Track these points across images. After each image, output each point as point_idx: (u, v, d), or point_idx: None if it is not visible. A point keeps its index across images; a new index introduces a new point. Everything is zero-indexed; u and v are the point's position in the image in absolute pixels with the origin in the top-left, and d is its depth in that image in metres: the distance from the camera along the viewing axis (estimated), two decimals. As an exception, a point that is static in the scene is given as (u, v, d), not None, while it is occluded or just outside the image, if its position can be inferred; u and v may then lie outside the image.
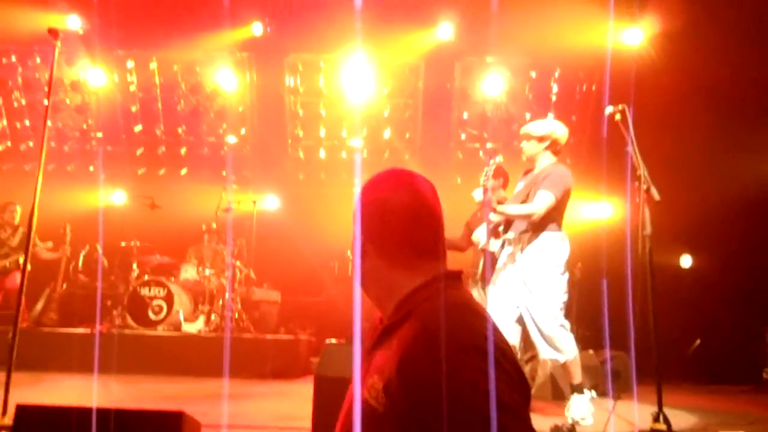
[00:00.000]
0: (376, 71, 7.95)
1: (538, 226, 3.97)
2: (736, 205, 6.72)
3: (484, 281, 5.11)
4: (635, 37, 6.86)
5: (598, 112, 7.13)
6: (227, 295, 6.62)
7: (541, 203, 3.89)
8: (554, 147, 4.14)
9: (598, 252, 6.06)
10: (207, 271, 6.80)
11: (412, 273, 1.29)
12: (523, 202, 4.03)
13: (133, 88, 8.45)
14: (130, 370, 5.42)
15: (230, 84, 8.18)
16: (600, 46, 7.05)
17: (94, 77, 8.14)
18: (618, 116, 3.94)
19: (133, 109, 8.55)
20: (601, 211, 7.45)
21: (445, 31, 7.44)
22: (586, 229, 7.30)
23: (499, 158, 4.45)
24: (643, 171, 3.82)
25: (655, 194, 3.78)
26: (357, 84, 7.92)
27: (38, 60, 8.22)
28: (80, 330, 6.21)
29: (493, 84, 7.87)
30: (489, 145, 8.27)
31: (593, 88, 7.73)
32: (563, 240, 4.01)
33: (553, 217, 3.96)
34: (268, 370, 5.70)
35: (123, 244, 7.11)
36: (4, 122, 8.58)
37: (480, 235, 4.42)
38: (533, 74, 7.91)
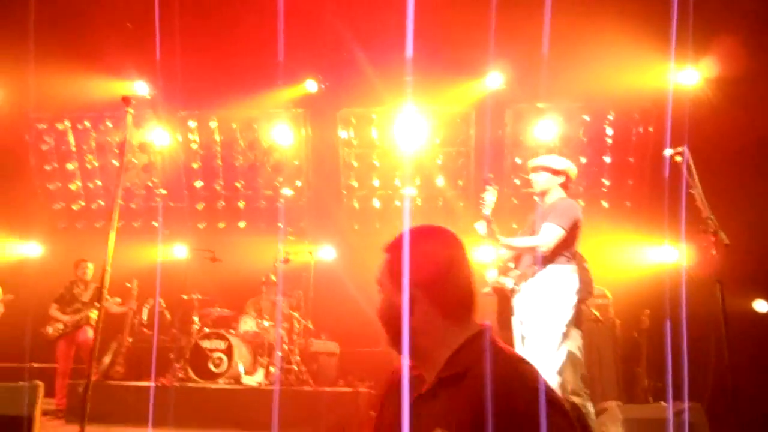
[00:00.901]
0: (427, 121, 8.07)
1: (545, 260, 3.89)
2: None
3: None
4: (692, 78, 6.74)
5: (656, 154, 6.99)
6: (285, 346, 6.67)
7: (548, 236, 3.85)
8: (567, 183, 4.16)
9: (666, 298, 5.83)
10: (266, 323, 6.88)
11: (461, 324, 1.35)
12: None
13: (194, 146, 8.84)
14: (193, 423, 5.50)
15: (286, 139, 8.46)
16: (655, 87, 6.96)
17: (159, 138, 8.58)
18: (678, 158, 3.86)
19: (195, 166, 8.92)
20: (667, 255, 7.18)
21: (494, 80, 7.53)
22: (652, 274, 7.06)
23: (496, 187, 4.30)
24: (709, 214, 3.70)
25: (724, 238, 3.64)
26: (409, 134, 8.05)
27: (109, 124, 8.75)
28: (145, 383, 6.36)
29: (545, 129, 7.84)
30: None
31: (650, 129, 7.59)
32: (573, 272, 3.91)
33: (560, 250, 3.89)
34: (328, 424, 5.66)
35: (185, 297, 7.31)
36: (79, 183, 9.11)
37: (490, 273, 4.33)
38: (587, 118, 7.84)
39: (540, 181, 4.18)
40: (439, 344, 1.34)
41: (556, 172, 4.15)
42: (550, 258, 3.90)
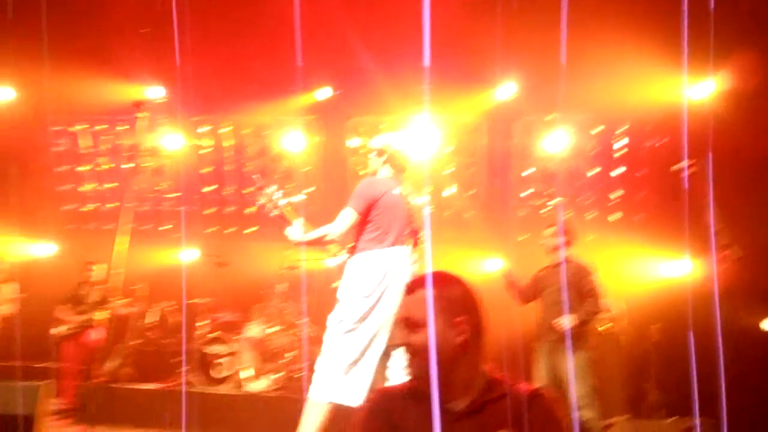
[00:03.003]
0: (438, 130, 8.06)
1: (353, 249, 3.71)
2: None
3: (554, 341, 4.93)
4: (707, 91, 6.70)
5: (670, 166, 6.94)
6: (291, 354, 6.63)
7: (338, 221, 3.67)
8: (393, 161, 3.96)
9: (678, 312, 5.75)
10: (272, 329, 6.86)
11: (484, 358, 1.66)
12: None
13: (205, 151, 8.88)
14: (196, 428, 5.45)
15: (297, 146, 8.48)
16: (669, 99, 6.92)
17: (170, 142, 8.62)
18: (693, 170, 3.82)
19: (205, 171, 8.96)
20: (680, 268, 7.10)
21: (505, 90, 7.52)
22: (662, 288, 6.97)
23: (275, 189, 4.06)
24: (722, 227, 3.66)
25: (737, 251, 3.60)
26: (419, 143, 8.04)
27: (122, 128, 8.81)
28: (150, 386, 6.34)
29: (556, 140, 7.81)
30: (554, 202, 8.15)
31: (664, 141, 7.54)
32: (378, 260, 3.64)
33: (365, 235, 3.70)
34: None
35: (192, 301, 7.31)
36: (90, 185, 9.17)
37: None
38: (598, 129, 7.81)
39: (369, 162, 4.06)
40: (475, 374, 1.62)
41: (379, 152, 4.00)
42: (356, 247, 3.72)
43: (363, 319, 3.60)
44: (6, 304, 6.69)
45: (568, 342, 4.83)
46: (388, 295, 3.60)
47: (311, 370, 6.58)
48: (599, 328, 5.90)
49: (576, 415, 4.72)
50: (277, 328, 6.89)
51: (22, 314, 6.85)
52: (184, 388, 6.14)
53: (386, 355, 3.72)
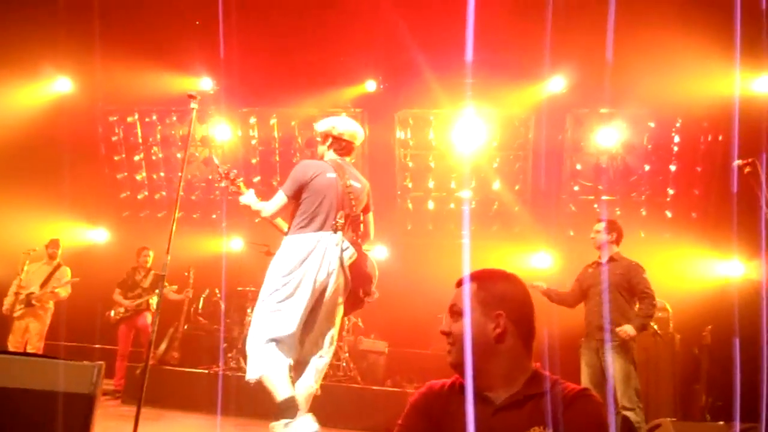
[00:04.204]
0: (485, 124, 7.99)
1: (288, 230, 3.70)
2: None
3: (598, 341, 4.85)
4: (762, 87, 6.42)
5: (725, 164, 6.69)
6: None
7: (271, 201, 3.69)
8: (338, 144, 3.84)
9: (730, 314, 5.58)
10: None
11: (530, 354, 1.66)
12: None
13: (254, 142, 9.03)
14: (243, 413, 5.60)
15: (343, 138, 8.51)
16: (725, 95, 6.67)
17: (220, 132, 8.80)
18: (747, 169, 3.68)
19: (253, 161, 9.11)
20: (732, 269, 6.86)
21: (556, 83, 7.39)
22: (715, 289, 6.76)
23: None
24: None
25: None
26: (466, 137, 7.98)
27: (174, 118, 9.04)
28: (199, 370, 6.53)
29: (607, 135, 7.63)
30: (604, 197, 7.97)
31: (719, 138, 7.28)
32: (301, 243, 3.59)
33: (295, 218, 3.68)
34: (376, 423, 5.67)
35: (239, 289, 7.48)
36: (144, 174, 9.46)
37: None
38: (652, 124, 7.59)
39: (317, 149, 4.00)
40: (516, 368, 1.62)
41: (322, 137, 3.92)
42: (290, 229, 3.70)
43: (285, 299, 3.55)
44: (63, 287, 6.99)
45: (614, 343, 4.75)
46: (312, 279, 3.57)
47: (352, 360, 6.69)
48: (653, 327, 5.77)
49: (619, 416, 4.64)
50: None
51: (78, 297, 7.14)
52: (212, 371, 6.30)
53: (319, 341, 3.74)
